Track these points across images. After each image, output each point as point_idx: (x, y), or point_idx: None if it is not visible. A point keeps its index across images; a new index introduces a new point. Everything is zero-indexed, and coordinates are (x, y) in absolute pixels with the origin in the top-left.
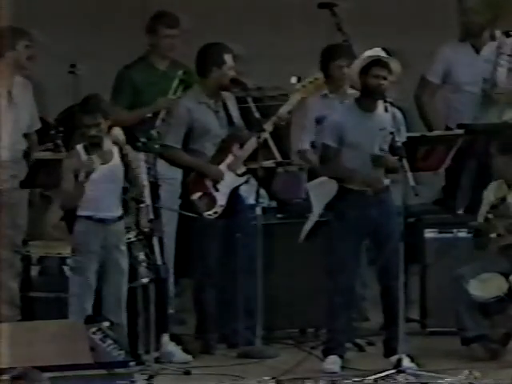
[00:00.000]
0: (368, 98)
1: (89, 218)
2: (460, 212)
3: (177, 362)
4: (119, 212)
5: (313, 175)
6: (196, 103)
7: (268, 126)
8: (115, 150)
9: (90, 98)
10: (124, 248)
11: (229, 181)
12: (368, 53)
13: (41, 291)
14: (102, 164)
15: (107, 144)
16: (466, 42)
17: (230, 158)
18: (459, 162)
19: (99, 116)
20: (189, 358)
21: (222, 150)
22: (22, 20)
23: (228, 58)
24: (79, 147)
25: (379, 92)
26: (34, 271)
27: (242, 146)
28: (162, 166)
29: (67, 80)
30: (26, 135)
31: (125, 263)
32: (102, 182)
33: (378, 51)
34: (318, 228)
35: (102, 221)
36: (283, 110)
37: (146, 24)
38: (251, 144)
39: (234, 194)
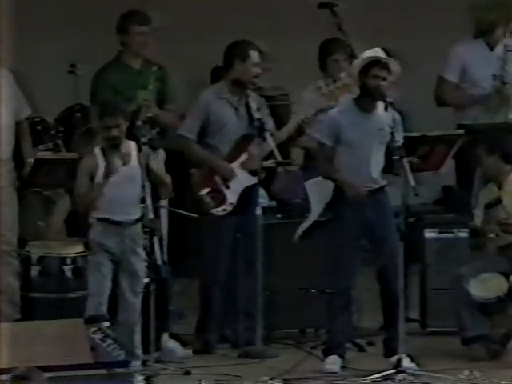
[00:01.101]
0: (367, 98)
1: (106, 220)
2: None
3: (178, 359)
4: (137, 215)
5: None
6: (216, 98)
7: (289, 130)
8: (133, 152)
9: (108, 100)
10: (140, 251)
11: (241, 179)
12: (367, 53)
13: (41, 291)
14: (121, 166)
15: (125, 146)
16: (479, 39)
17: (244, 157)
18: (466, 160)
19: (120, 117)
20: (189, 352)
21: (238, 148)
22: (22, 20)
23: (253, 54)
24: (97, 150)
25: (378, 92)
26: (34, 271)
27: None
28: None
29: (67, 80)
30: (16, 123)
31: (141, 267)
32: (119, 184)
33: (377, 51)
34: (314, 228)
35: (118, 223)
36: (307, 114)
37: (117, 23)
38: (267, 145)
39: (248, 193)
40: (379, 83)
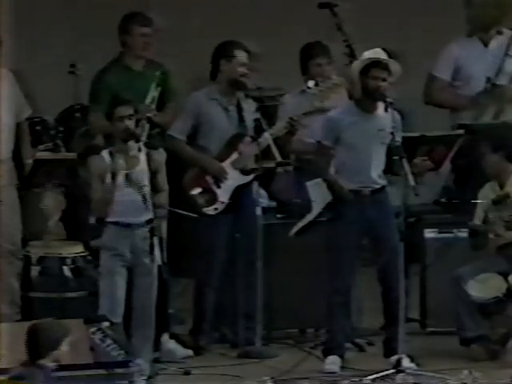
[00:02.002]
0: (367, 99)
1: (116, 223)
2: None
3: (179, 359)
4: (146, 216)
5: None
6: (207, 99)
7: (278, 129)
8: (142, 156)
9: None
10: (148, 249)
11: (232, 178)
12: (368, 53)
13: (41, 291)
14: (128, 169)
15: (133, 149)
16: (473, 37)
17: (234, 156)
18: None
19: (132, 108)
20: (190, 352)
21: (228, 147)
22: (22, 20)
23: (239, 53)
24: (104, 153)
25: (379, 93)
26: (34, 271)
27: (251, 143)
28: None
29: (67, 80)
30: (16, 125)
31: (153, 268)
32: (127, 188)
33: (378, 52)
34: (310, 227)
35: (129, 226)
36: (296, 113)
37: (119, 25)
38: (259, 144)
39: (241, 191)
40: (379, 84)
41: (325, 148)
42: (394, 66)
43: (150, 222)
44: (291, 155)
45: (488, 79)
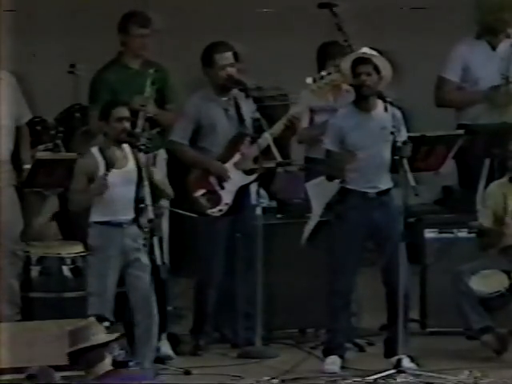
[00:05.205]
0: (359, 96)
1: (106, 223)
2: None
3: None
4: (132, 215)
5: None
6: (205, 101)
7: (278, 127)
8: (129, 155)
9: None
10: (141, 247)
11: (236, 179)
12: (352, 55)
13: (41, 291)
14: (118, 168)
15: (126, 148)
16: (481, 39)
17: (237, 157)
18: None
19: (129, 111)
20: (171, 353)
21: (230, 149)
22: (22, 20)
23: (219, 56)
24: (94, 150)
25: (365, 88)
26: (34, 271)
27: (252, 143)
28: None
29: (67, 80)
30: (16, 128)
31: (145, 259)
32: (117, 187)
33: (363, 50)
34: (319, 228)
35: (119, 225)
36: (295, 110)
37: (118, 23)
38: (261, 144)
39: (243, 192)
40: (363, 79)
41: (333, 154)
42: (379, 60)
43: (136, 219)
44: (292, 155)
45: (503, 75)
